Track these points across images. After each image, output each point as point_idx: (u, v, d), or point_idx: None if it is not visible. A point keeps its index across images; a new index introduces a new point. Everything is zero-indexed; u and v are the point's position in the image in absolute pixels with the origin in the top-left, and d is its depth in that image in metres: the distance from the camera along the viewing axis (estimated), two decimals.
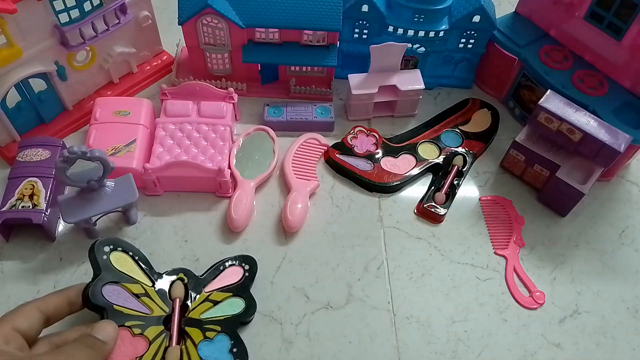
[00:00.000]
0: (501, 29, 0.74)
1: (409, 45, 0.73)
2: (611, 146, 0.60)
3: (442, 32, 0.72)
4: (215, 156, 0.66)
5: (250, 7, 0.68)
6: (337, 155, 0.70)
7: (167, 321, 0.51)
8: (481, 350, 0.56)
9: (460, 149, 0.71)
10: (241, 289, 0.55)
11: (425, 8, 0.70)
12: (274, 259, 0.61)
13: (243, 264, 0.57)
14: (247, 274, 0.57)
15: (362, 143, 0.71)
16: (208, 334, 0.51)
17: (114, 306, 0.49)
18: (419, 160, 0.70)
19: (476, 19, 0.71)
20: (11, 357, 0.40)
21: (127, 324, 0.49)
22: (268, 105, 0.74)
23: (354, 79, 0.72)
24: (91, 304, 0.48)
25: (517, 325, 0.58)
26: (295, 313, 0.57)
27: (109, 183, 0.58)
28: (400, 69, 0.73)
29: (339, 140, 0.71)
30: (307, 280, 0.60)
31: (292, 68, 0.76)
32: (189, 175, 0.63)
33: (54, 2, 0.60)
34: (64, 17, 0.62)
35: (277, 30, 0.70)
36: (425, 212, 0.66)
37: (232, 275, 0.56)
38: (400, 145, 0.72)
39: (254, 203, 0.65)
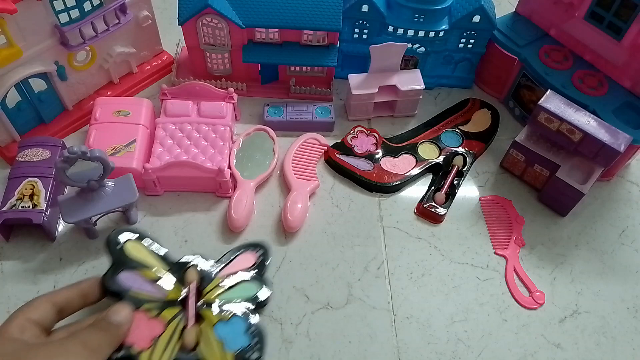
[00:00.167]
0: (501, 29, 0.74)
1: (409, 45, 0.73)
2: (611, 146, 0.60)
3: (442, 32, 0.72)
4: (215, 156, 0.66)
5: (250, 7, 0.68)
6: (337, 155, 0.70)
7: (182, 304, 0.52)
8: (481, 350, 0.56)
9: (460, 149, 0.71)
10: (254, 274, 0.56)
11: (425, 8, 0.70)
12: (274, 259, 0.61)
13: (256, 250, 0.58)
14: (260, 258, 0.57)
15: (362, 143, 0.71)
16: (224, 315, 0.52)
17: (130, 291, 0.50)
18: (419, 160, 0.70)
19: (476, 19, 0.71)
20: (26, 345, 0.41)
21: (143, 307, 0.50)
22: (268, 105, 0.74)
23: (354, 79, 0.72)
24: (108, 291, 0.50)
25: (517, 325, 0.58)
26: (295, 313, 0.57)
27: (109, 183, 0.58)
28: (400, 69, 0.73)
29: (339, 140, 0.71)
30: (307, 280, 0.60)
31: (292, 68, 0.76)
32: (189, 175, 0.63)
33: (54, 2, 0.60)
34: (64, 17, 0.62)
35: (277, 30, 0.70)
36: (425, 212, 0.66)
37: (245, 261, 0.57)
38: (400, 145, 0.72)
39: (254, 203, 0.65)
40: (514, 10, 0.77)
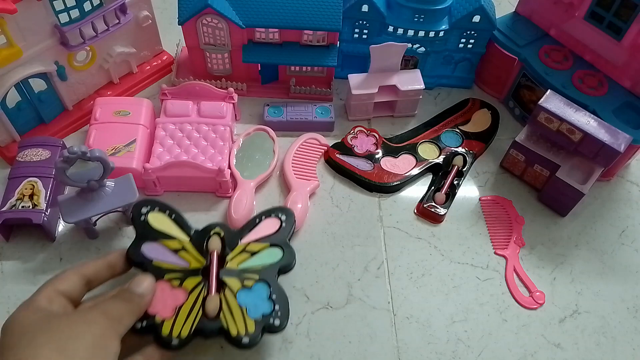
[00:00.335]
0: (501, 29, 0.74)
1: (409, 45, 0.73)
2: (611, 146, 0.60)
3: (442, 32, 0.72)
4: (215, 156, 0.66)
5: (250, 7, 0.68)
6: (337, 155, 0.70)
7: (205, 273, 0.52)
8: (481, 350, 0.56)
9: (460, 149, 0.71)
10: (279, 238, 0.56)
11: (425, 8, 0.70)
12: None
13: (279, 215, 0.57)
14: (283, 224, 0.57)
15: (362, 143, 0.71)
16: (246, 282, 0.52)
17: (153, 262, 0.51)
18: (419, 160, 0.70)
19: (476, 19, 0.71)
20: (51, 314, 0.43)
21: (166, 277, 0.51)
22: (268, 105, 0.74)
23: (354, 79, 0.72)
24: (133, 262, 0.51)
25: (517, 325, 0.58)
26: (295, 313, 0.57)
27: (109, 183, 0.58)
28: (400, 69, 0.73)
29: (339, 140, 0.71)
30: (307, 280, 0.60)
31: (292, 68, 0.76)
32: (189, 175, 0.63)
33: (54, 2, 0.60)
34: (64, 17, 0.62)
35: (277, 30, 0.70)
36: (425, 212, 0.66)
37: (269, 226, 0.57)
38: (400, 145, 0.72)
39: (254, 203, 0.65)
40: (514, 10, 0.77)
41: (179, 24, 0.68)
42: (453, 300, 0.59)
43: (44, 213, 0.58)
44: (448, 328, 0.57)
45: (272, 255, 0.54)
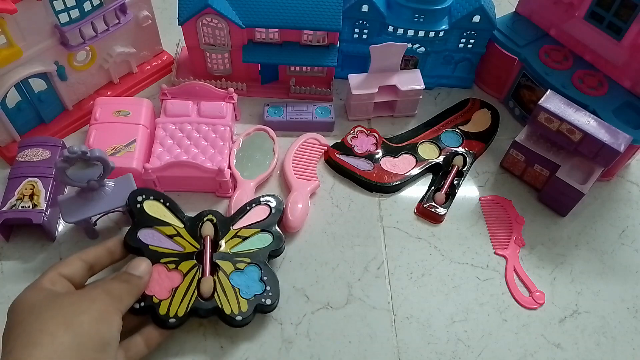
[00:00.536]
0: (501, 29, 0.74)
1: (409, 45, 0.73)
2: (611, 146, 0.60)
3: (442, 32, 0.72)
4: (215, 156, 0.66)
5: (250, 7, 0.68)
6: (337, 155, 0.70)
7: (199, 257, 0.55)
8: (481, 350, 0.56)
9: (460, 149, 0.71)
10: (268, 224, 0.59)
11: (425, 8, 0.70)
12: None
13: (268, 202, 0.60)
14: (273, 210, 0.60)
15: (362, 143, 0.71)
16: (239, 265, 0.55)
17: (150, 246, 0.54)
18: (419, 160, 0.70)
19: (476, 19, 0.71)
20: (54, 293, 0.45)
21: (162, 260, 0.54)
22: (268, 105, 0.74)
23: (354, 79, 0.72)
24: (130, 247, 0.54)
25: (517, 325, 0.58)
26: (295, 313, 0.57)
27: (109, 183, 0.58)
28: (400, 69, 0.73)
29: (339, 140, 0.71)
30: (307, 280, 0.60)
31: (292, 68, 0.76)
32: (189, 175, 0.63)
33: (54, 2, 0.60)
34: (64, 17, 0.62)
35: (277, 30, 0.70)
36: (425, 212, 0.66)
37: (259, 213, 0.60)
38: (400, 145, 0.72)
39: None
40: (514, 10, 0.77)
41: (179, 24, 0.68)
42: (453, 300, 0.59)
43: (44, 213, 0.58)
44: (448, 328, 0.57)
45: (263, 240, 0.57)
